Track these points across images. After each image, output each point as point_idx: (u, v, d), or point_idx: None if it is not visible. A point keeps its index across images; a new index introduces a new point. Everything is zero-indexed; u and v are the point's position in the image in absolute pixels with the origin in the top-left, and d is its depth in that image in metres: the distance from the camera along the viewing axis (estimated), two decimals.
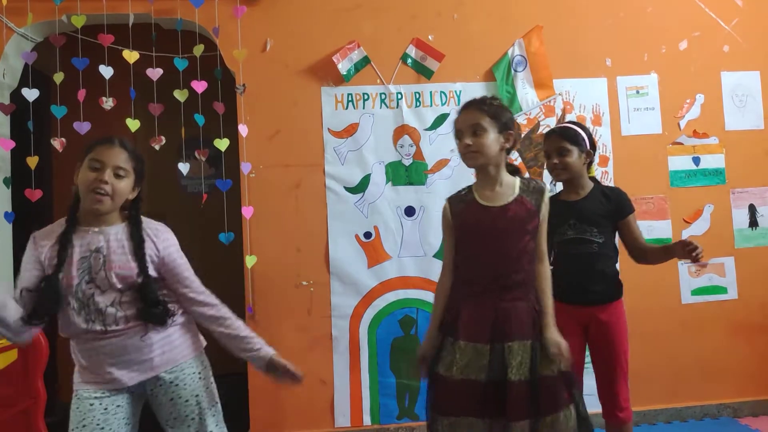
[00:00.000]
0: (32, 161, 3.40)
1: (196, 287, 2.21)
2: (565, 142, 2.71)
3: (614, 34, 3.97)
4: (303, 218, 3.73)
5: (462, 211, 2.25)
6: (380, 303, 3.76)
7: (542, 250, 2.24)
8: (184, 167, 3.61)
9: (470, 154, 2.19)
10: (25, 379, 3.09)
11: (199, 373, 2.21)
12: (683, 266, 3.90)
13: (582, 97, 3.93)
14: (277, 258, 3.68)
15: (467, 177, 3.61)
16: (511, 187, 2.22)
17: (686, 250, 2.44)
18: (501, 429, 2.07)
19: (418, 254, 3.77)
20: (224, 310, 2.23)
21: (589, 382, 2.79)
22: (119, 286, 2.05)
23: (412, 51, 3.82)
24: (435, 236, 3.76)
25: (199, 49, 3.56)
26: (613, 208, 2.73)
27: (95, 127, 3.51)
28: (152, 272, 2.12)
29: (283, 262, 3.66)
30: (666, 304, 3.89)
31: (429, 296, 3.76)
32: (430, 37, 3.84)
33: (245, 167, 3.65)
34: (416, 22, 3.84)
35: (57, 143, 3.46)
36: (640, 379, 3.75)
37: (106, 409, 2.08)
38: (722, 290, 3.95)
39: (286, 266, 3.67)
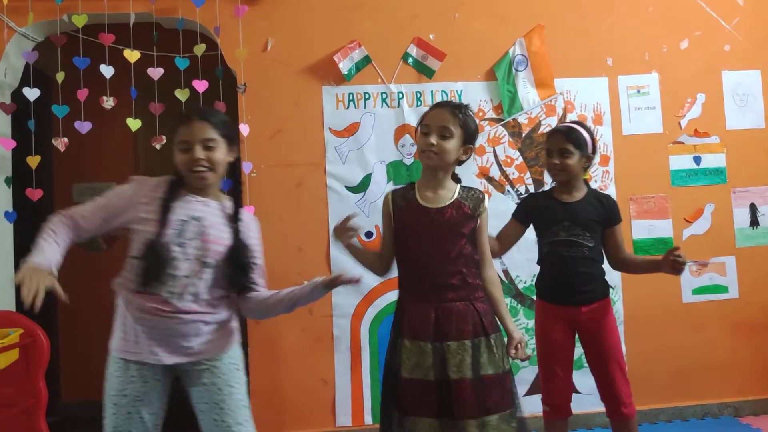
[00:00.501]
0: (33, 161, 3.40)
1: (261, 279, 2.26)
2: (568, 143, 2.69)
3: (615, 33, 3.97)
4: (304, 218, 3.73)
5: (402, 208, 2.30)
6: (381, 302, 3.75)
7: (486, 255, 2.32)
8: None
9: (430, 154, 2.22)
10: (27, 378, 3.10)
11: (235, 363, 2.21)
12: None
13: (583, 96, 3.93)
14: (278, 257, 3.66)
15: (467, 176, 3.64)
16: (451, 191, 2.28)
17: (672, 262, 2.51)
18: (451, 428, 2.11)
19: None
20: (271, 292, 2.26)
21: (588, 382, 2.79)
22: (208, 259, 2.08)
23: (413, 50, 3.82)
24: None
25: (200, 49, 3.56)
26: (606, 215, 2.74)
27: (96, 127, 3.52)
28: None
29: (284, 261, 3.66)
30: (667, 303, 3.89)
31: None
32: (431, 36, 3.84)
33: (246, 167, 3.64)
34: (417, 22, 3.84)
35: (59, 143, 3.46)
36: (641, 378, 3.75)
37: (146, 381, 2.09)
38: (723, 289, 3.95)
39: (288, 266, 3.67)
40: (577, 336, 2.78)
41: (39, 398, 3.11)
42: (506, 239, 2.82)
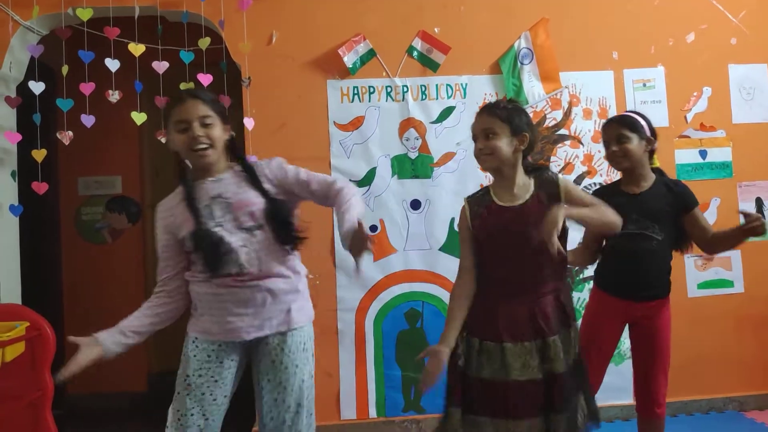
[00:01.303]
0: (39, 154, 3.40)
1: (320, 180, 2.25)
2: (623, 128, 2.62)
3: (621, 26, 3.95)
4: (308, 211, 3.70)
5: (481, 213, 2.24)
6: (386, 296, 3.76)
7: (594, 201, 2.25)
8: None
9: (483, 157, 2.21)
10: (33, 371, 3.11)
11: (304, 344, 2.21)
12: (689, 259, 3.89)
13: (588, 90, 3.91)
14: None
15: (473, 170, 3.64)
16: (527, 186, 2.22)
17: (748, 222, 2.47)
18: (542, 423, 2.09)
19: (423, 247, 3.77)
20: (345, 189, 2.23)
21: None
22: (248, 224, 2.09)
23: (418, 44, 3.81)
24: (441, 229, 3.75)
25: (204, 42, 3.56)
26: (677, 201, 2.65)
27: (101, 121, 3.52)
28: (277, 197, 2.17)
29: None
30: (672, 297, 3.84)
31: (434, 289, 3.77)
32: (436, 29, 3.83)
33: (251, 160, 3.64)
34: (422, 15, 3.83)
35: (64, 137, 3.46)
36: None
37: (221, 362, 2.12)
38: (728, 284, 3.94)
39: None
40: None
41: (45, 391, 3.12)
42: (590, 242, 2.75)
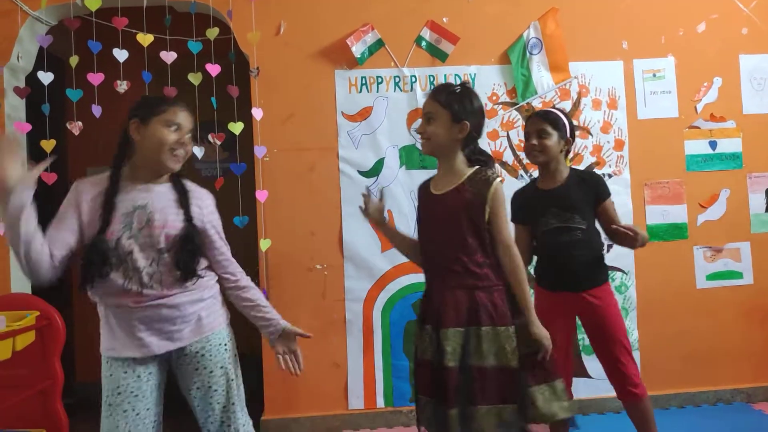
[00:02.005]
0: (48, 145, 3.42)
1: (226, 254, 2.26)
2: (546, 124, 2.69)
3: (631, 16, 3.92)
4: (317, 202, 3.73)
5: (420, 195, 2.35)
6: (393, 287, 3.76)
7: (504, 241, 2.17)
8: (198, 151, 3.61)
9: (422, 141, 2.26)
10: (43, 360, 3.14)
11: (225, 344, 2.21)
12: (698, 251, 3.88)
13: (598, 80, 3.89)
14: (291, 242, 3.69)
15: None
16: (458, 176, 2.21)
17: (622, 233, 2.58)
18: (441, 414, 2.11)
19: None
20: (247, 280, 2.29)
21: (599, 366, 2.77)
22: (162, 245, 2.07)
23: (426, 33, 3.80)
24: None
25: (212, 32, 3.56)
26: (591, 191, 2.71)
27: (110, 111, 3.53)
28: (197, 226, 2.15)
29: (297, 245, 3.67)
30: (681, 288, 3.87)
31: None
32: (444, 19, 3.81)
33: (259, 151, 3.65)
34: (430, 5, 3.81)
35: (73, 127, 3.47)
36: (654, 363, 3.75)
37: (138, 376, 2.09)
38: (738, 275, 3.92)
39: (300, 250, 3.69)
40: (579, 321, 2.77)
41: (55, 379, 3.15)
42: (520, 246, 2.74)
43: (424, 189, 2.33)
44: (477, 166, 2.22)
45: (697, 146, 3.93)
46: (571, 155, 2.73)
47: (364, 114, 3.78)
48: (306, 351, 3.61)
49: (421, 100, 3.78)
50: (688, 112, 3.94)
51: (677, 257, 3.85)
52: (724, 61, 3.97)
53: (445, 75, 3.80)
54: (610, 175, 3.82)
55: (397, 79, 3.79)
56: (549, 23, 3.84)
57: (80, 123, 3.47)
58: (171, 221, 2.10)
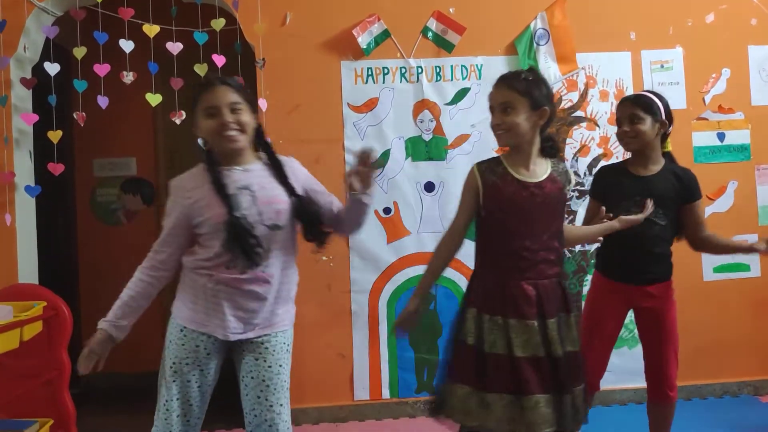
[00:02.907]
0: (55, 135, 3.42)
1: (332, 198, 2.32)
2: (638, 109, 2.57)
3: (639, 6, 3.89)
4: None
5: (495, 183, 2.16)
6: (399, 278, 3.77)
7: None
8: (203, 142, 3.60)
9: (500, 133, 2.14)
10: (50, 350, 3.15)
11: (288, 345, 2.23)
12: None
13: (605, 71, 3.87)
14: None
15: (488, 152, 3.60)
16: (542, 164, 2.18)
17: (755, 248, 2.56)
18: (558, 402, 2.07)
19: (437, 230, 3.76)
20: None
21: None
22: (271, 222, 2.09)
23: (432, 24, 3.78)
24: (454, 212, 3.73)
25: (218, 23, 3.55)
26: (683, 190, 2.60)
27: (116, 102, 3.53)
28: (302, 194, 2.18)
29: (301, 237, 3.67)
30: (688, 281, 3.83)
31: (448, 272, 3.69)
32: (451, 9, 3.79)
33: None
34: None
35: (80, 118, 3.47)
36: None
37: (209, 354, 2.13)
38: (745, 267, 3.91)
39: (306, 241, 3.67)
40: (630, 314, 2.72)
41: (62, 370, 3.16)
42: (587, 222, 2.69)
43: (499, 175, 2.17)
44: (552, 158, 2.22)
45: (705, 138, 3.91)
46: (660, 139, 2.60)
47: (370, 105, 3.77)
48: (312, 342, 3.65)
49: (427, 90, 3.77)
50: (696, 103, 3.91)
51: (684, 249, 3.81)
52: (733, 52, 3.94)
53: (452, 66, 3.79)
54: None
55: (403, 70, 3.78)
56: (556, 14, 3.81)
57: (84, 114, 3.46)
58: (276, 195, 2.13)
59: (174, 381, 2.11)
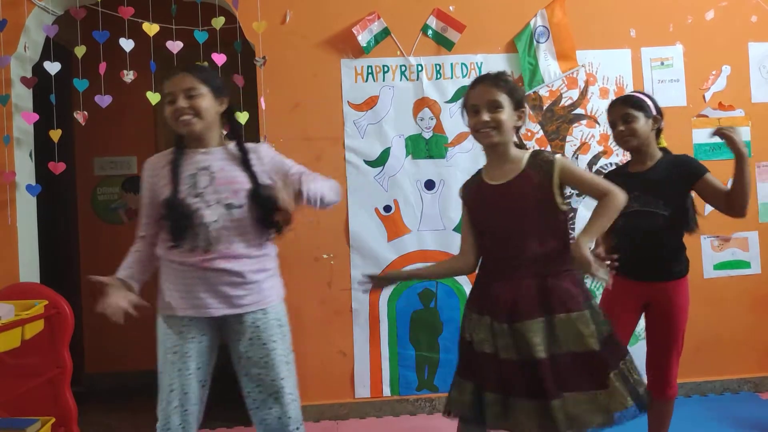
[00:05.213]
0: (55, 134, 3.43)
1: (297, 169, 2.32)
2: (629, 108, 2.61)
3: (639, 4, 3.89)
4: None
5: (470, 193, 2.28)
6: None
7: (604, 189, 2.10)
8: None
9: (488, 131, 2.12)
10: (52, 349, 3.16)
11: (279, 320, 2.26)
12: (706, 240, 3.86)
13: (605, 68, 3.87)
14: (297, 231, 3.67)
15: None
16: (518, 162, 2.15)
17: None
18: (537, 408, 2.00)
19: (437, 228, 3.77)
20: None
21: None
22: (228, 201, 2.16)
23: (432, 22, 3.78)
24: (455, 210, 3.74)
25: (218, 22, 3.56)
26: (685, 173, 2.60)
27: (116, 100, 3.53)
28: (264, 181, 2.22)
29: (303, 235, 3.67)
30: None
31: None
32: (450, 7, 3.79)
33: (265, 141, 3.65)
34: None
35: (79, 116, 3.48)
36: None
37: (194, 337, 2.18)
38: (745, 264, 3.91)
39: (306, 239, 3.69)
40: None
41: (64, 368, 3.17)
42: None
43: (475, 184, 2.25)
44: (532, 150, 2.20)
45: (705, 135, 3.89)
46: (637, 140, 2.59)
47: (371, 103, 3.77)
48: (312, 339, 3.66)
49: (427, 88, 3.77)
50: (696, 100, 3.91)
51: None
52: (733, 49, 3.93)
53: (452, 64, 3.79)
54: (617, 164, 3.80)
55: (403, 68, 3.78)
56: (556, 11, 3.81)
57: (85, 113, 3.47)
58: (235, 177, 2.19)
59: (166, 371, 2.17)
